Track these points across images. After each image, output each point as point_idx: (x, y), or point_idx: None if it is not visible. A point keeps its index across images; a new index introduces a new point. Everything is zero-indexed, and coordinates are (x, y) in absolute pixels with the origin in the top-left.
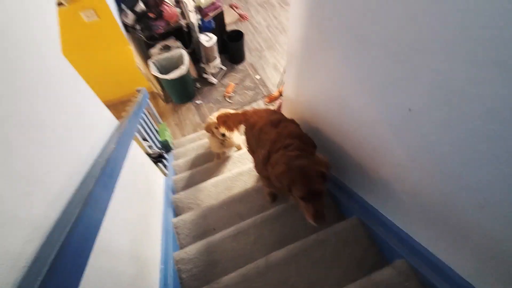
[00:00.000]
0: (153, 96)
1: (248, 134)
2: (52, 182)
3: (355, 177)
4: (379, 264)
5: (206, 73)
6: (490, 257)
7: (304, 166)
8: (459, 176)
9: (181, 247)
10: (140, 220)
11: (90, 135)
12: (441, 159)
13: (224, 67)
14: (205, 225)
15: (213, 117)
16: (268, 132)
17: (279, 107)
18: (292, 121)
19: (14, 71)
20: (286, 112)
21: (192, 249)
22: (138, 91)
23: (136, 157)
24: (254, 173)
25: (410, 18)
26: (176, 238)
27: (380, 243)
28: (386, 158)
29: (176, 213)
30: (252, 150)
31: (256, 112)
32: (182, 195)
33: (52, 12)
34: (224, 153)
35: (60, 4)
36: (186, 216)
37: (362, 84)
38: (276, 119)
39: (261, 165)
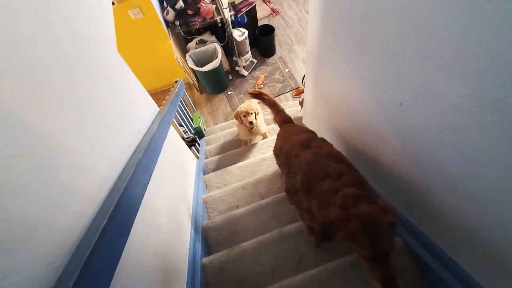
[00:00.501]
0: (189, 86)
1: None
2: (113, 150)
3: None
4: None
5: (238, 66)
6: (464, 235)
7: (370, 215)
8: (436, 162)
9: (209, 218)
10: (177, 191)
11: (138, 118)
12: (424, 149)
13: (255, 60)
14: (230, 202)
15: (242, 106)
16: (299, 154)
17: (302, 100)
18: (322, 139)
19: (88, 67)
20: (307, 114)
21: (218, 220)
22: (176, 82)
23: (173, 139)
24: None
25: (396, 29)
26: (205, 211)
27: None
28: (384, 146)
29: (207, 191)
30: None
31: (279, 136)
32: (211, 175)
33: (109, 11)
34: (251, 140)
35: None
36: (215, 193)
37: (363, 81)
38: (306, 138)
39: (298, 194)
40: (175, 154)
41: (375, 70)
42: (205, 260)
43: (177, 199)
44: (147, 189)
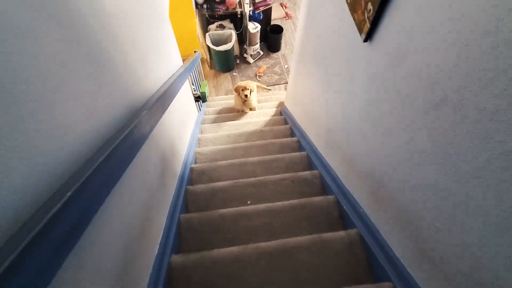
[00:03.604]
0: (202, 61)
1: None
2: (156, 76)
3: None
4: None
5: (246, 53)
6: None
7: None
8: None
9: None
10: (183, 120)
11: (172, 62)
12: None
13: (261, 52)
14: (217, 143)
15: (242, 83)
16: None
17: None
18: None
19: (156, 25)
20: (288, 99)
21: (205, 149)
22: (195, 52)
23: (187, 88)
24: (258, 127)
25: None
26: (198, 144)
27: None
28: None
29: (201, 134)
30: None
31: None
32: (206, 125)
33: None
34: (243, 110)
35: None
36: (207, 136)
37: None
38: None
39: None
40: (186, 99)
41: (331, 84)
42: (193, 166)
43: (181, 128)
44: (167, 111)
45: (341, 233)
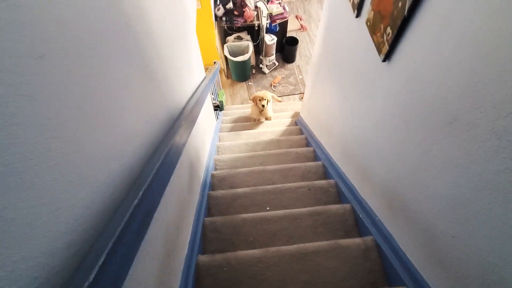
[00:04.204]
0: (219, 70)
1: None
2: (185, 88)
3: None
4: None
5: (262, 64)
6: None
7: None
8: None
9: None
10: (205, 129)
11: (195, 78)
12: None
13: (276, 63)
14: (235, 151)
15: (259, 93)
16: None
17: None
18: None
19: (186, 37)
20: (304, 110)
21: (224, 157)
22: (215, 63)
23: (208, 98)
24: (275, 137)
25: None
26: (217, 152)
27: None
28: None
29: (219, 142)
30: None
31: None
32: (224, 134)
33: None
34: (259, 119)
35: None
36: (225, 144)
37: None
38: None
39: None
40: (206, 108)
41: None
42: (214, 172)
43: (204, 136)
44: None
45: (357, 239)
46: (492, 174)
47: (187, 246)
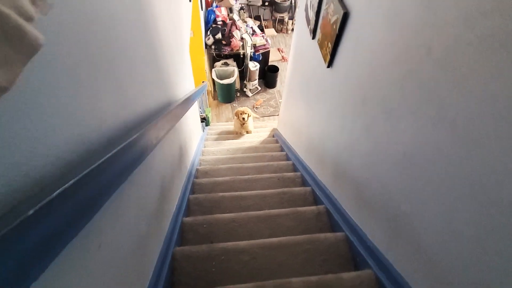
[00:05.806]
0: (207, 92)
1: None
2: (180, 90)
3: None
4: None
5: (245, 88)
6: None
7: None
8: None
9: (201, 162)
10: (192, 129)
11: (186, 86)
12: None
13: (259, 87)
14: (217, 155)
15: (241, 108)
16: None
17: None
18: None
19: (180, 55)
20: (280, 124)
21: (208, 158)
22: (203, 82)
23: (196, 109)
24: (253, 145)
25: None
26: (202, 154)
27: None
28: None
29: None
30: None
31: None
32: (209, 143)
33: (188, 27)
34: (240, 132)
35: None
36: (210, 149)
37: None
38: None
39: None
40: (195, 115)
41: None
42: (198, 167)
43: (191, 133)
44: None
45: (313, 207)
46: (494, 197)
47: (174, 207)
